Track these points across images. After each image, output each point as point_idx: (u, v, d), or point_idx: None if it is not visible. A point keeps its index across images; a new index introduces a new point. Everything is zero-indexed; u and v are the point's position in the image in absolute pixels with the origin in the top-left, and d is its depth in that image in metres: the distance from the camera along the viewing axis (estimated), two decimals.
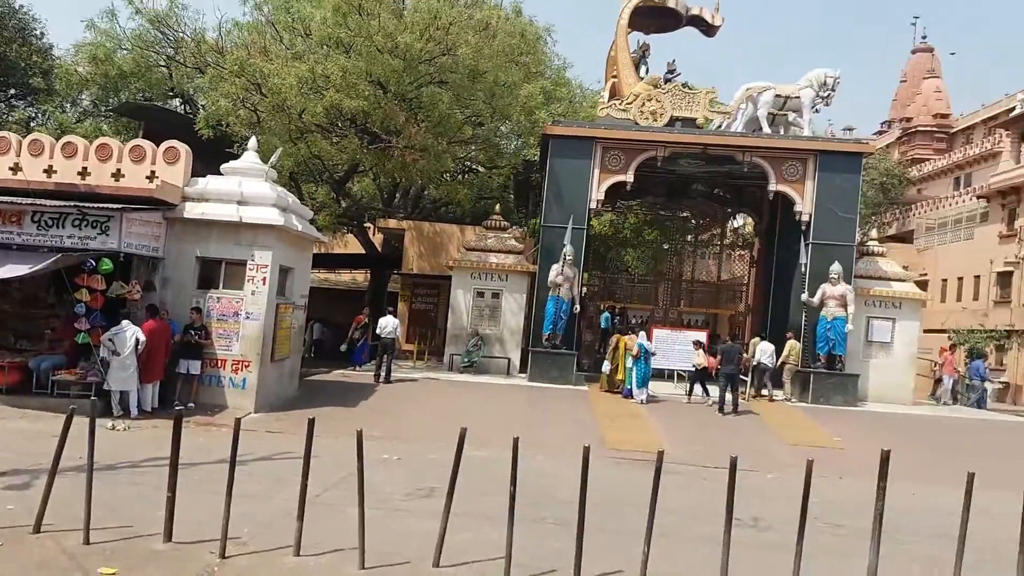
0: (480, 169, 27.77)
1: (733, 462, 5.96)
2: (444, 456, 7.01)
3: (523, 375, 19.53)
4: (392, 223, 25.32)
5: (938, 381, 22.73)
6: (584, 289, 25.28)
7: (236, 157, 15.07)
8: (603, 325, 23.53)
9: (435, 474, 8.99)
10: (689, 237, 29.10)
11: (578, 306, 19.59)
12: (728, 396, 16.21)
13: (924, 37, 52.32)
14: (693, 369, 17.57)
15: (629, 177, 19.92)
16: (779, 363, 18.86)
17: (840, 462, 12.03)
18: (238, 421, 6.42)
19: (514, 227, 24.38)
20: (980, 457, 13.49)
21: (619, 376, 17.67)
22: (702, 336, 19.10)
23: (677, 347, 19.04)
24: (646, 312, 25.70)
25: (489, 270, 20.51)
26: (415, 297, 25.01)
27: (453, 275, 20.81)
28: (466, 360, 19.65)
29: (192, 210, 13.11)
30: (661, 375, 19.25)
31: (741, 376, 17.54)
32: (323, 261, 27.27)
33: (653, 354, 17.53)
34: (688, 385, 17.75)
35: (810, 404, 18.16)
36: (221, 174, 13.83)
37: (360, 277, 31.52)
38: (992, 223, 31.70)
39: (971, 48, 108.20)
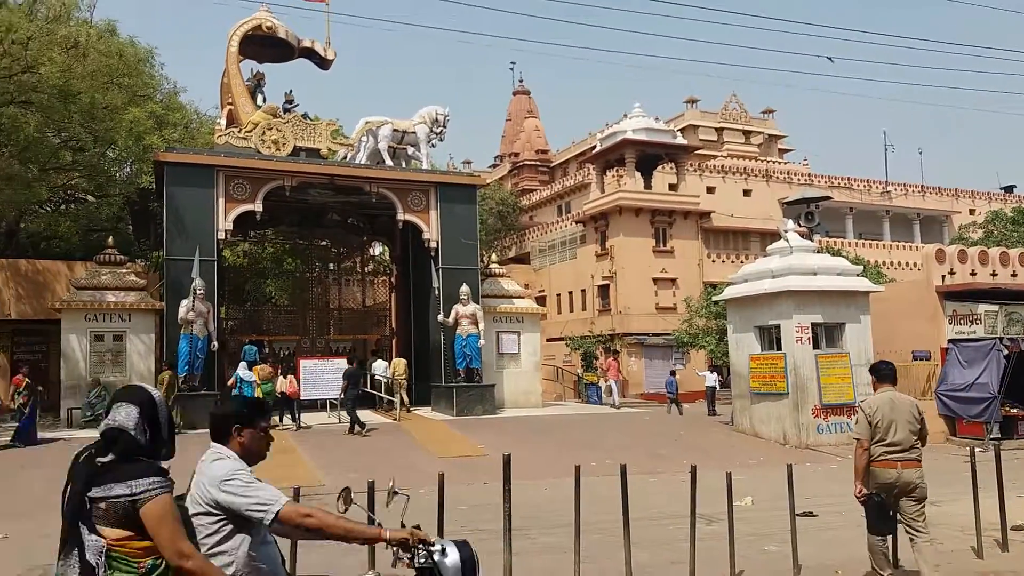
0: (89, 199, 24.89)
1: (371, 485, 5.89)
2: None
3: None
4: None
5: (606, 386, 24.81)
6: (229, 324, 23.89)
7: None
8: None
9: (55, 551, 7.73)
10: (331, 265, 29.11)
11: (216, 343, 18.42)
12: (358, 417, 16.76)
13: (521, 80, 58.77)
14: (279, 397, 17.53)
15: (258, 207, 19.33)
16: (390, 378, 19.93)
17: (485, 468, 12.92)
18: None
19: (135, 261, 22.19)
20: (596, 448, 15.52)
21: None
22: (343, 363, 19.29)
23: (326, 376, 18.91)
24: (293, 343, 25.08)
25: (107, 310, 18.36)
26: (16, 346, 21.40)
27: (63, 318, 18.23)
28: (88, 414, 17.27)
29: None
30: (315, 405, 18.95)
31: (380, 395, 19.06)
32: None
33: (255, 382, 17.11)
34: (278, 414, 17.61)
35: (455, 416, 19.27)
36: None
37: None
38: (589, 244, 36.77)
39: (562, 90, 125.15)
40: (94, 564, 2.64)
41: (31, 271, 21.64)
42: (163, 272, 19.10)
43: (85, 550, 2.66)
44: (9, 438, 14.91)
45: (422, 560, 2.95)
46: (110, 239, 20.75)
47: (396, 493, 3.42)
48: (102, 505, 2.68)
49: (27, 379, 15.39)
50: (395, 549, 2.99)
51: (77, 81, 18.39)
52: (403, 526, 3.07)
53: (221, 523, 2.97)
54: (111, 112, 20.19)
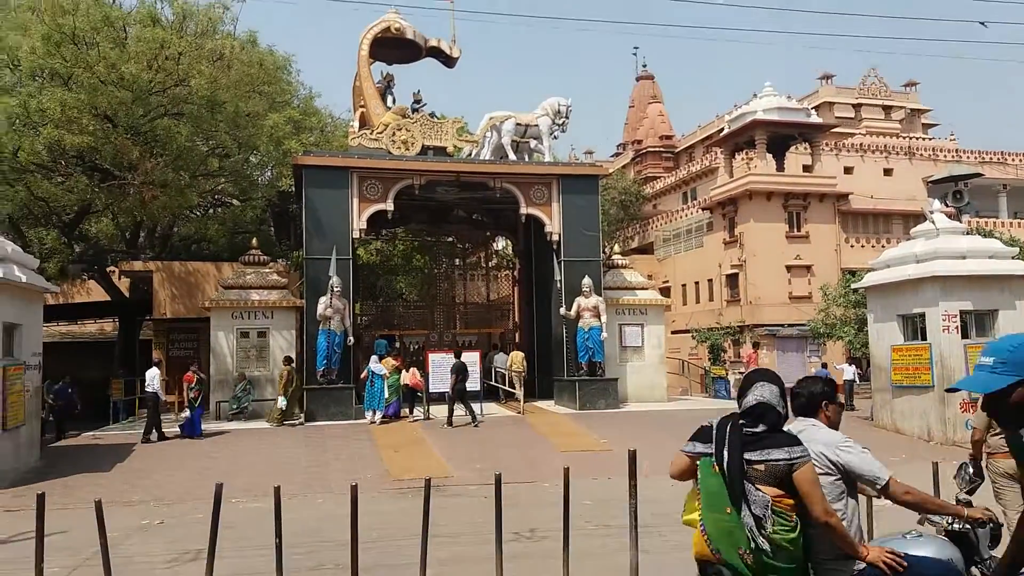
0: (234, 202, 26.56)
1: (498, 479, 6.21)
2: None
3: (299, 415, 18.83)
4: (138, 265, 23.38)
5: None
6: (362, 320, 24.91)
7: None
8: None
9: (202, 535, 8.37)
10: (457, 261, 29.80)
11: (351, 338, 19.26)
12: (460, 410, 17.19)
13: (644, 66, 57.67)
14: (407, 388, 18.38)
15: (389, 205, 19.97)
16: (507, 371, 20.28)
17: (609, 463, 12.86)
18: None
19: (277, 261, 23.52)
20: None
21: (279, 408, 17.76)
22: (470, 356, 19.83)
23: None
24: (422, 337, 25.86)
25: (252, 308, 19.56)
26: (171, 343, 23.21)
27: (212, 316, 19.57)
28: (235, 406, 18.53)
29: None
30: (443, 398, 19.46)
31: (505, 388, 19.95)
32: (61, 312, 24.46)
33: (384, 375, 17.82)
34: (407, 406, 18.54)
35: (578, 410, 19.26)
36: None
37: (108, 327, 28.68)
38: (716, 231, 35.67)
39: (687, 74, 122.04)
40: (761, 516, 3.11)
41: (183, 272, 23.37)
42: (303, 271, 20.06)
43: (751, 504, 3.12)
44: (177, 427, 16.31)
45: (957, 526, 3.52)
46: (254, 240, 22.07)
47: (971, 478, 4.20)
48: (760, 467, 3.17)
49: (197, 375, 16.69)
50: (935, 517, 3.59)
51: (222, 91, 19.52)
52: (957, 502, 3.69)
53: (837, 482, 3.40)
54: (253, 119, 21.37)
